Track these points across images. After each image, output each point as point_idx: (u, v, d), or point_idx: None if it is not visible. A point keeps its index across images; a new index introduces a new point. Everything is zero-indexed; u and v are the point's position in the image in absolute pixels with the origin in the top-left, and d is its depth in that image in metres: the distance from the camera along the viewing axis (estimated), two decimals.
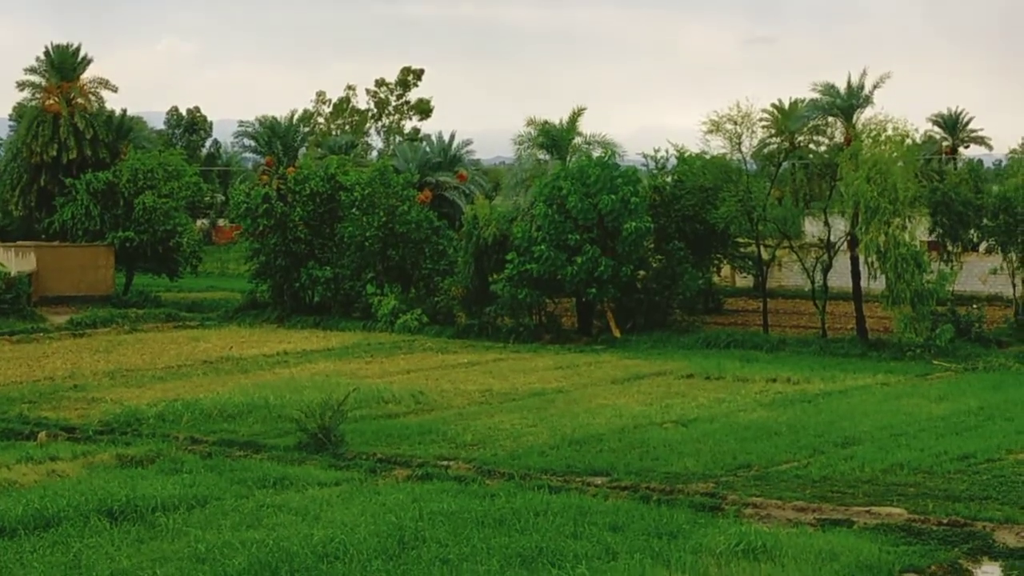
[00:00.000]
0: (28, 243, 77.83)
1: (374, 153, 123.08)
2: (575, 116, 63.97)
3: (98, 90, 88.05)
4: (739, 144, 59.47)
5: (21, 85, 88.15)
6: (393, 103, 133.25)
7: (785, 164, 66.82)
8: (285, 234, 65.90)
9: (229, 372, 46.88)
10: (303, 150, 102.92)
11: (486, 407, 38.51)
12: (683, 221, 61.26)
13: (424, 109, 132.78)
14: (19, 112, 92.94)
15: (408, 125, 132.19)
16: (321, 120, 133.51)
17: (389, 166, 69.13)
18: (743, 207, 57.75)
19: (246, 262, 70.45)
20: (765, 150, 66.89)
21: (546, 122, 64.10)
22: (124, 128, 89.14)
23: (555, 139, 63.37)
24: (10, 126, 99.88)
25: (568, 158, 62.47)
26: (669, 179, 64.20)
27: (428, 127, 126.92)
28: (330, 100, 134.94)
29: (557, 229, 56.76)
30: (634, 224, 56.28)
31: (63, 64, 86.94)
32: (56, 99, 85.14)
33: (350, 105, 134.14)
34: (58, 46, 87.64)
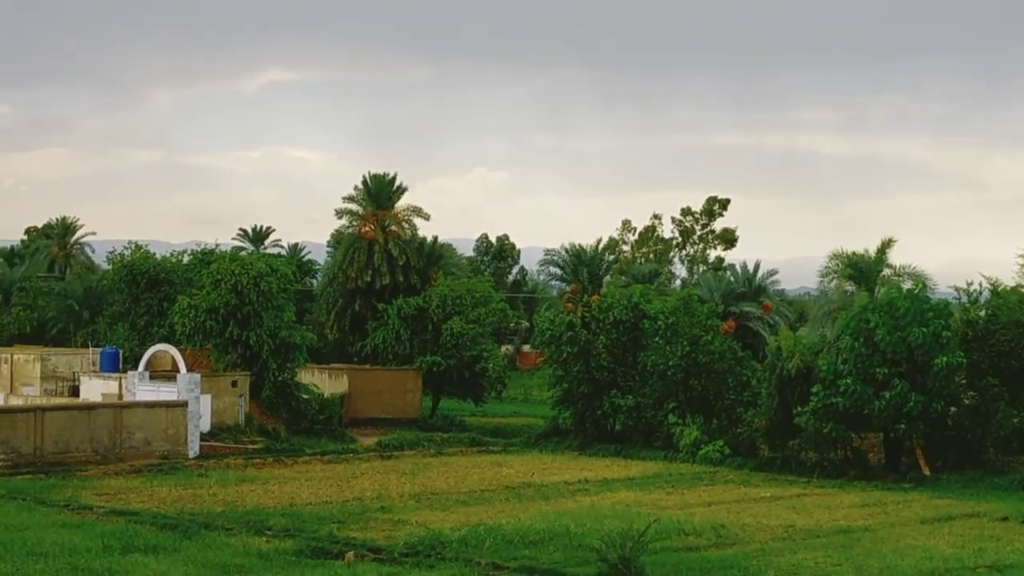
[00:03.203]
0: (341, 366, 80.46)
1: (677, 282, 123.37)
2: (883, 247, 62.86)
3: (411, 218, 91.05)
4: None
5: (340, 213, 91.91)
6: (698, 232, 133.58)
7: None
8: (588, 361, 66.33)
9: (531, 498, 47.17)
10: (607, 278, 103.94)
11: (789, 543, 37.68)
12: (998, 357, 59.11)
13: (729, 238, 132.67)
14: (336, 239, 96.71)
15: (712, 254, 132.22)
16: (626, 248, 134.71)
17: (693, 295, 69.10)
18: None
19: (549, 389, 71.14)
20: None
21: (853, 253, 63.19)
22: (435, 255, 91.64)
23: (862, 270, 62.31)
24: (328, 252, 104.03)
25: (876, 290, 61.29)
26: (982, 313, 62.13)
27: (732, 256, 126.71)
28: (635, 228, 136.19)
29: (864, 362, 55.55)
30: (945, 359, 54.65)
31: (379, 193, 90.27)
32: (372, 227, 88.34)
33: (655, 233, 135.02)
34: (375, 175, 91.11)
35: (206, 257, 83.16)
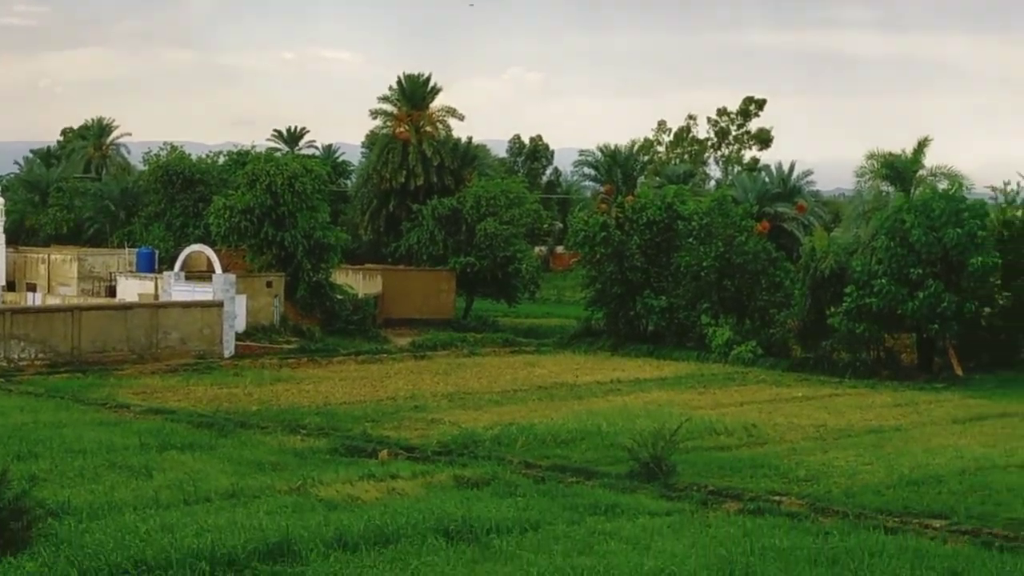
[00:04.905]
0: (375, 266, 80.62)
1: (712, 183, 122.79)
2: (920, 147, 62.53)
3: (445, 118, 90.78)
4: None
5: (374, 113, 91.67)
6: (733, 132, 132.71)
7: None
8: (622, 262, 66.31)
9: (563, 398, 47.42)
10: (642, 179, 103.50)
11: (820, 442, 37.85)
12: None
13: (764, 139, 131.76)
14: (371, 140, 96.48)
15: (747, 155, 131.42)
16: (660, 149, 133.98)
17: (728, 196, 68.83)
18: None
19: (582, 289, 71.24)
20: None
21: (889, 154, 62.84)
22: (469, 156, 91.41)
23: (898, 171, 62.01)
24: (362, 153, 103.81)
25: (912, 190, 61.00)
26: (1019, 213, 61.89)
27: (767, 157, 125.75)
28: (670, 129, 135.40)
29: (898, 263, 55.40)
30: (980, 259, 54.48)
31: (414, 93, 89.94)
32: (406, 127, 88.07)
33: (690, 135, 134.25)
34: (410, 76, 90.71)
35: (241, 158, 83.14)
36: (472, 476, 30.38)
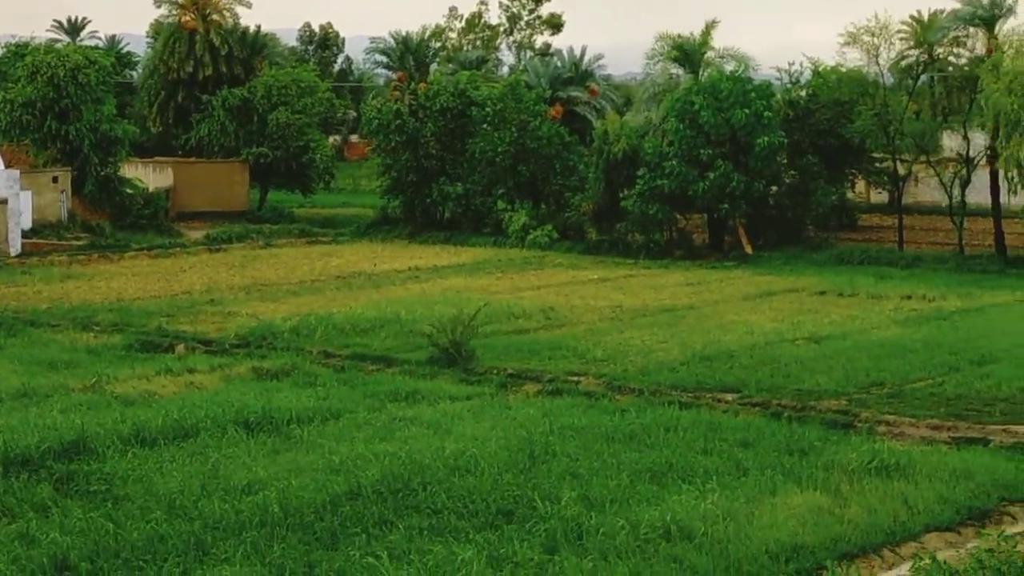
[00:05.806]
0: (165, 159, 79.03)
1: (505, 68, 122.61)
2: (708, 29, 63.25)
3: (232, 6, 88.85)
4: (876, 57, 58.46)
5: (158, 2, 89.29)
6: (525, 18, 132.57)
7: (923, 77, 65.55)
8: (416, 150, 66.10)
9: (361, 287, 47.32)
10: (434, 66, 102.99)
11: (616, 323, 38.48)
12: (817, 136, 60.36)
13: (555, 23, 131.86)
14: (156, 29, 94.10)
15: (539, 40, 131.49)
16: (453, 35, 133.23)
17: (520, 81, 68.91)
18: (879, 121, 56.76)
19: (378, 178, 70.91)
20: (903, 63, 65.64)
21: (678, 36, 63.49)
22: (258, 44, 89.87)
23: (687, 53, 62.72)
24: (147, 43, 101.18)
25: (700, 72, 61.83)
26: (803, 93, 63.22)
27: (559, 42, 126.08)
28: (462, 15, 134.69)
29: (689, 144, 56.29)
30: (767, 139, 55.64)
31: None
32: (192, 16, 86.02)
33: (482, 20, 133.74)
34: None
35: (20, 50, 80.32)
36: (271, 368, 30.23)
